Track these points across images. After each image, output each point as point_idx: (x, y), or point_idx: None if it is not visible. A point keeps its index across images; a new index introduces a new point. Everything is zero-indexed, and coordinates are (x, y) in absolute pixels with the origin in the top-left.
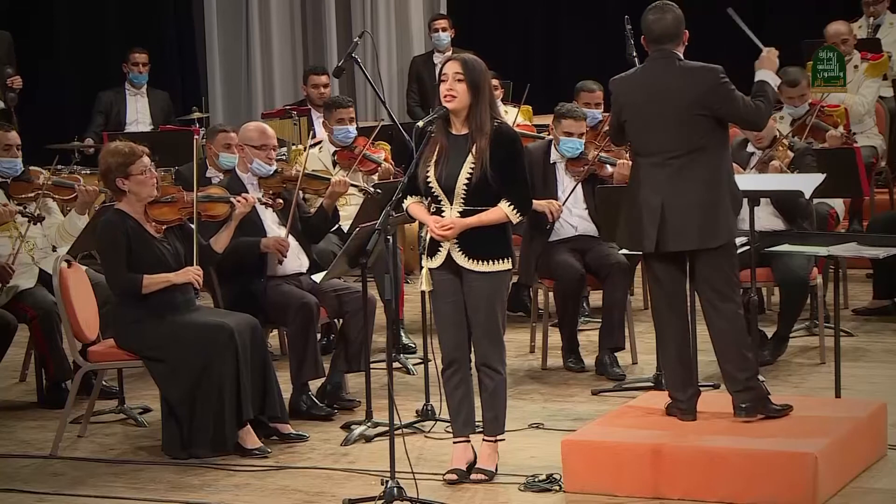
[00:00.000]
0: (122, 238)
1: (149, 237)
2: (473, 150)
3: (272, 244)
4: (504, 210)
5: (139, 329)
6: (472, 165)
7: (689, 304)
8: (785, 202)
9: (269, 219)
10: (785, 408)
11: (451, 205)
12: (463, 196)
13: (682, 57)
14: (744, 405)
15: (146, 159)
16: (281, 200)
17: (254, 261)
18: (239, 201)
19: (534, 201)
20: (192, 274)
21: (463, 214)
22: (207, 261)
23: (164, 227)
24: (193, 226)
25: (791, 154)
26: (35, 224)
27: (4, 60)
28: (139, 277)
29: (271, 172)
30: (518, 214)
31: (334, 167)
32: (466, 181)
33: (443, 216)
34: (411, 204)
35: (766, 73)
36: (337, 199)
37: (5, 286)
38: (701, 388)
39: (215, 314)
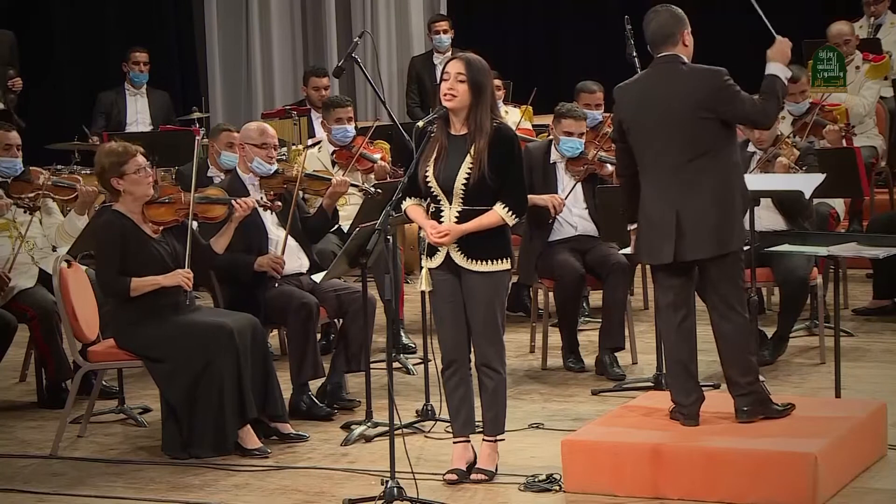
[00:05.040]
0: (117, 240)
1: (145, 237)
2: (472, 150)
3: (266, 263)
4: (500, 213)
5: (139, 329)
6: (471, 166)
7: (694, 311)
8: (786, 201)
9: (268, 220)
10: (787, 407)
11: (450, 204)
12: (462, 196)
13: (687, 61)
14: (745, 408)
15: (140, 158)
16: (279, 203)
17: (249, 272)
18: (239, 204)
19: (536, 196)
20: (181, 277)
21: (461, 214)
22: (207, 261)
23: (160, 228)
24: (190, 227)
25: (797, 151)
26: (30, 214)
27: (7, 60)
28: (127, 281)
29: (271, 172)
30: (514, 217)
31: (333, 167)
32: (465, 181)
33: (442, 216)
34: (410, 206)
35: (777, 66)
36: (337, 199)
37: (2, 293)
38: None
39: (215, 314)
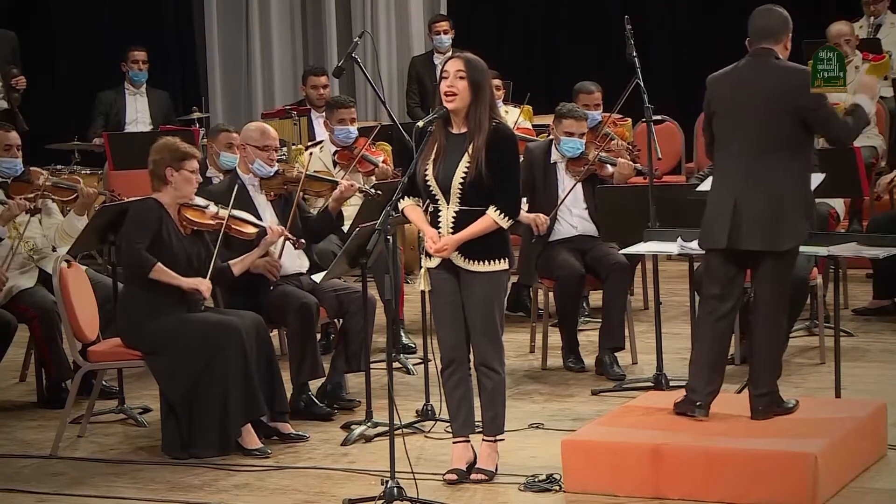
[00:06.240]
0: (154, 221)
1: (178, 232)
2: (470, 149)
3: (263, 265)
4: (492, 217)
5: (146, 324)
6: (468, 165)
7: (739, 307)
8: None
9: (268, 220)
10: (795, 404)
11: (448, 203)
12: (459, 195)
13: (780, 56)
14: (761, 408)
15: (197, 164)
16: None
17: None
18: (271, 229)
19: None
20: (202, 284)
21: (459, 213)
22: (223, 280)
23: (191, 229)
24: (218, 240)
25: None
26: (33, 216)
27: (10, 60)
28: (153, 261)
29: (271, 174)
30: (507, 219)
31: (335, 167)
32: (462, 180)
33: (440, 216)
34: (407, 206)
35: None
36: (344, 202)
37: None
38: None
39: (222, 313)
